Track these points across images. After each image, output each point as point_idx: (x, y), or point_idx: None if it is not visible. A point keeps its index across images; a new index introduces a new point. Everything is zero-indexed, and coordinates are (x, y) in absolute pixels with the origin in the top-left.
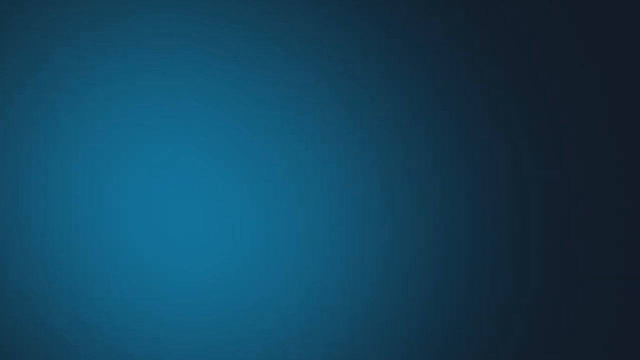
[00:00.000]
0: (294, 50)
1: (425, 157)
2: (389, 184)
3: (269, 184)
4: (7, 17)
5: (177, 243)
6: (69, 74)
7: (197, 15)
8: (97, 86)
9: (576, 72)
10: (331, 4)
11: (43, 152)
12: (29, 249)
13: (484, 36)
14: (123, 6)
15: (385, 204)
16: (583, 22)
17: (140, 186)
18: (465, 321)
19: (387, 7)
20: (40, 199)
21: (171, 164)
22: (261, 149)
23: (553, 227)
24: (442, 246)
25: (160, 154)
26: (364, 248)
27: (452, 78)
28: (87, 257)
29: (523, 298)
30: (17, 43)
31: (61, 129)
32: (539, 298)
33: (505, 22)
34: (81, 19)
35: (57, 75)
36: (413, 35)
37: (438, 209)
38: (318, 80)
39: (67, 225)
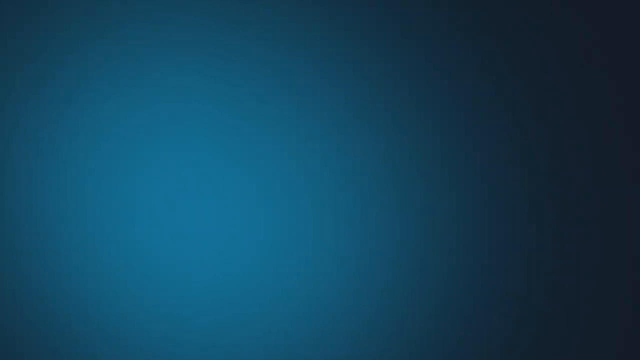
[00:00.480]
0: (302, 50)
1: (435, 157)
2: (399, 183)
3: (279, 184)
4: (18, 26)
5: (187, 243)
6: (74, 77)
7: (204, 18)
8: (107, 91)
9: (587, 71)
10: (336, 3)
11: (50, 154)
12: (38, 249)
13: (492, 34)
14: (129, 10)
15: (396, 203)
16: (593, 21)
17: (150, 187)
18: (476, 322)
19: (393, 5)
20: (50, 199)
21: (181, 165)
22: (272, 149)
23: (565, 228)
24: (453, 246)
25: (171, 155)
26: (374, 248)
27: (463, 78)
28: (98, 257)
29: (534, 298)
30: (26, 51)
31: (70, 131)
32: (551, 300)
33: (514, 19)
34: (87, 26)
35: (66, 79)
36: (420, 33)
37: (449, 208)
38: (326, 79)
39: (80, 227)
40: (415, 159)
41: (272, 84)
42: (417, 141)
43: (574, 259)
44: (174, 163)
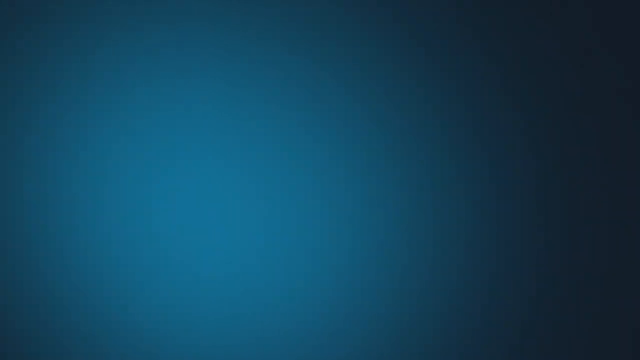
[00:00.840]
0: (304, 50)
1: (440, 157)
2: (404, 184)
3: (281, 184)
4: (18, 26)
5: (188, 243)
6: (76, 79)
7: (205, 19)
8: (108, 92)
9: (589, 71)
10: (337, 3)
11: (51, 155)
12: (38, 249)
13: (501, 32)
14: (130, 12)
15: (400, 203)
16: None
17: (152, 188)
18: (480, 323)
19: (396, 4)
20: (50, 200)
21: (182, 165)
22: (274, 150)
23: (570, 229)
24: (458, 249)
25: (172, 156)
26: (378, 248)
27: (468, 79)
28: (99, 256)
29: (537, 299)
30: (35, 53)
31: (70, 132)
32: (560, 303)
33: (516, 19)
34: (88, 28)
35: (66, 81)
36: (421, 32)
37: (453, 210)
38: (329, 79)
39: (80, 227)
40: (421, 159)
41: (274, 84)
42: (423, 142)
43: (578, 259)
44: (175, 164)
